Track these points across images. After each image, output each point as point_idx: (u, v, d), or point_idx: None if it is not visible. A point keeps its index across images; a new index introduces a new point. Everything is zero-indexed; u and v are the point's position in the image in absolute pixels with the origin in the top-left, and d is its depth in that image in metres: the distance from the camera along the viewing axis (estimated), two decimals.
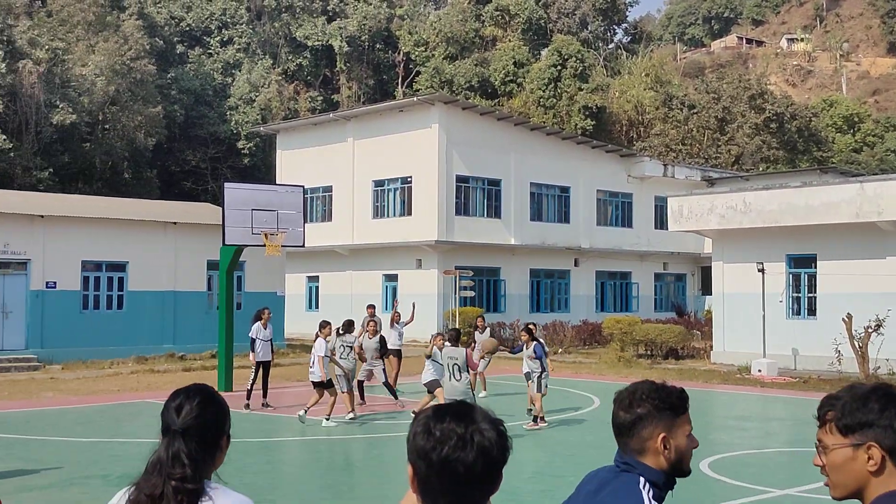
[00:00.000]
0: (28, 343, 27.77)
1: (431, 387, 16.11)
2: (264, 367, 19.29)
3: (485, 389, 21.12)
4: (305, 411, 16.83)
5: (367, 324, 19.62)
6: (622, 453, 2.91)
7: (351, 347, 17.81)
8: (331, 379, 17.01)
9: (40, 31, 49.28)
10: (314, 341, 17.52)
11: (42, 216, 28.42)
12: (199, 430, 2.72)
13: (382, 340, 19.55)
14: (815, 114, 65.90)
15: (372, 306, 21.87)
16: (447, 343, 15.12)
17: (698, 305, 45.44)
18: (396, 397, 19.02)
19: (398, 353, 21.70)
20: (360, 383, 19.15)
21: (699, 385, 23.88)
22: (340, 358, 17.38)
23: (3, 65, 43.87)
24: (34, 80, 45.55)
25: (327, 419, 16.66)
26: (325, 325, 17.53)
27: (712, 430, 17.51)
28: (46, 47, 47.10)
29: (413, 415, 16.71)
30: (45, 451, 13.97)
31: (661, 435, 2.87)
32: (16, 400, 20.25)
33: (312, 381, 17.05)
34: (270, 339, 19.71)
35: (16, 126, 45.95)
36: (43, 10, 54.48)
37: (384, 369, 19.41)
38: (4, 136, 43.78)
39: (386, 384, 19.32)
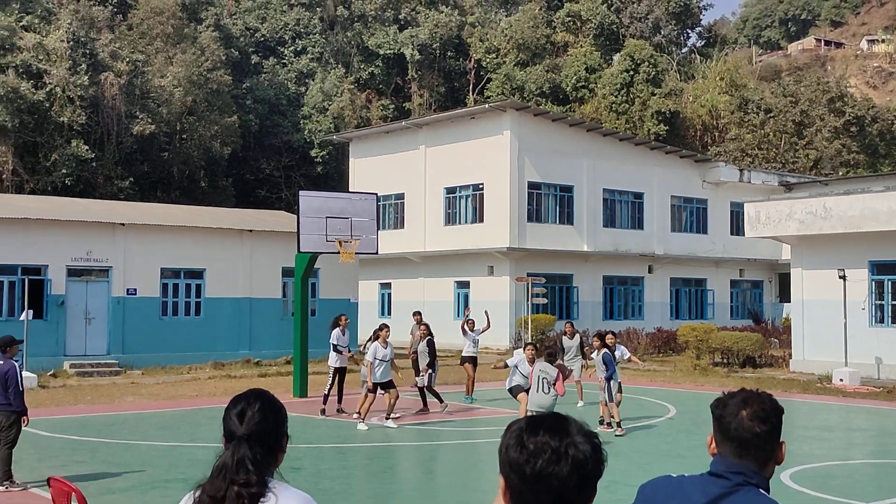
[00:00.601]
0: (110, 348, 28.44)
1: (515, 392, 16.27)
2: (340, 373, 19.41)
3: (581, 399, 20.85)
4: (361, 419, 17.03)
5: (420, 329, 19.93)
6: (737, 464, 2.81)
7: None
8: (391, 380, 17.14)
9: (121, 44, 50.57)
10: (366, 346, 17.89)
11: (123, 224, 29.09)
12: (261, 434, 2.80)
13: (431, 344, 19.54)
14: None
15: (418, 313, 22.65)
16: (542, 360, 15.01)
17: (776, 313, 44.55)
18: (441, 401, 19.17)
19: (473, 361, 21.74)
20: (421, 389, 19.27)
21: (778, 394, 23.20)
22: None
23: (86, 77, 45.08)
24: (115, 92, 46.72)
25: (387, 419, 17.08)
26: (383, 327, 17.73)
27: (794, 441, 17.13)
28: (127, 59, 48.29)
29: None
30: (127, 455, 14.27)
31: (784, 445, 2.88)
32: (99, 404, 20.74)
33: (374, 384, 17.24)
34: (347, 346, 19.87)
35: (98, 137, 47.17)
36: (124, 24, 55.88)
37: (431, 374, 19.39)
38: (87, 147, 44.97)
39: (430, 388, 19.35)
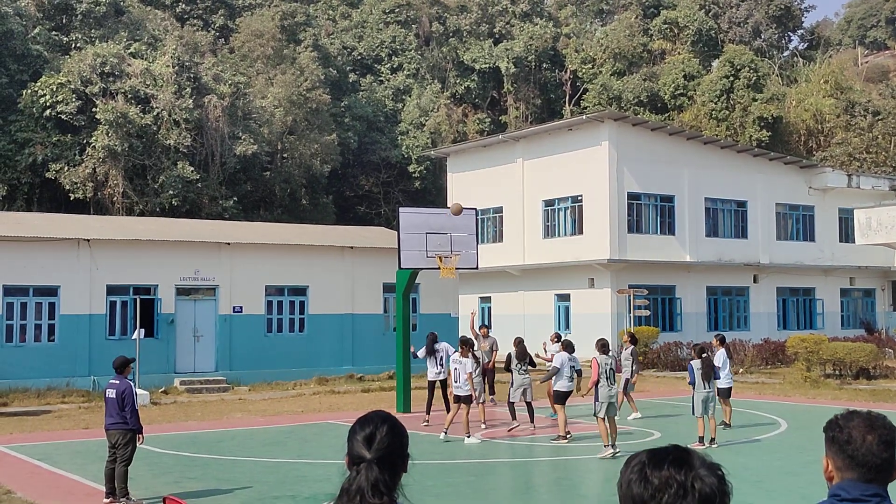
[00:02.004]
0: (217, 365, 29.13)
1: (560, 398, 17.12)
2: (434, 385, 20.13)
3: (636, 410, 20.58)
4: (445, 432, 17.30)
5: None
6: (871, 486, 2.78)
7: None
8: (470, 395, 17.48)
9: (223, 67, 51.97)
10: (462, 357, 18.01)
11: (228, 244, 29.81)
12: (389, 457, 2.82)
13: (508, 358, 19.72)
14: None
15: (485, 326, 23.94)
16: (598, 352, 16.15)
17: (890, 322, 42.96)
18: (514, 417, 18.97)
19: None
20: (512, 405, 19.19)
21: (895, 408, 22.53)
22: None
23: (191, 100, 46.43)
24: (219, 114, 47.98)
25: (468, 436, 17.20)
26: (474, 338, 18.26)
27: None
28: (229, 82, 49.57)
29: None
30: (236, 471, 14.56)
31: None
32: (208, 420, 21.23)
33: (457, 395, 17.66)
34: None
35: (202, 158, 48.50)
36: (226, 47, 57.47)
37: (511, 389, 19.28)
38: (192, 168, 46.27)
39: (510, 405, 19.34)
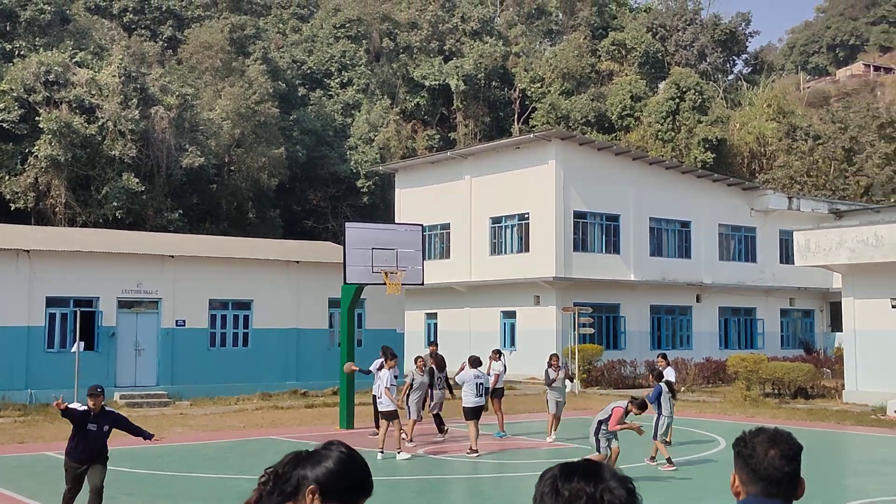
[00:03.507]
0: (159, 379, 28.74)
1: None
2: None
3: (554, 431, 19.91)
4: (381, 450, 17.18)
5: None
6: (775, 501, 2.86)
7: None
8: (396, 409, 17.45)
9: (171, 79, 51.52)
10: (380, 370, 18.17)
11: (172, 256, 29.49)
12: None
13: (431, 372, 19.92)
14: None
15: (433, 343, 23.54)
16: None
17: (828, 342, 43.80)
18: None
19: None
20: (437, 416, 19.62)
21: (831, 426, 22.95)
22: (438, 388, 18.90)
23: (137, 111, 45.95)
24: (165, 125, 47.53)
25: (398, 452, 17.19)
26: (392, 356, 18.32)
27: (846, 475, 16.80)
28: (176, 93, 49.15)
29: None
30: (176, 487, 14.38)
31: (804, 482, 2.92)
32: None
33: (382, 412, 17.60)
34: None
35: (148, 169, 47.97)
36: (174, 59, 56.97)
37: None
38: (137, 180, 45.74)
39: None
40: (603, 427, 14.09)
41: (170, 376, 28.76)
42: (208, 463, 17.14)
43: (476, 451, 17.35)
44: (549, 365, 20.07)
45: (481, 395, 17.94)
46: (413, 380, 19.16)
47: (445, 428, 19.94)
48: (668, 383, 17.07)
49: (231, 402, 27.76)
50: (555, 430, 19.52)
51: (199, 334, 29.65)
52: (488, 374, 20.50)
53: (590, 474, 2.24)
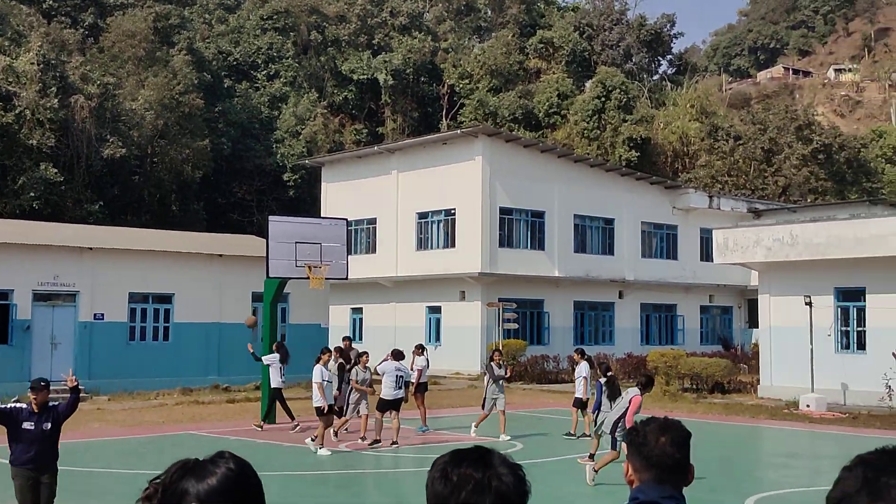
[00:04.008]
0: (75, 374, 28.00)
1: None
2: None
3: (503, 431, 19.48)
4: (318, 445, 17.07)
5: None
6: (666, 488, 2.94)
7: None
8: (331, 405, 17.45)
9: (92, 67, 50.39)
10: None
11: (91, 248, 28.88)
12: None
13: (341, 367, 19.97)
14: (863, 144, 65.16)
15: (348, 338, 23.64)
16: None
17: (745, 338, 44.84)
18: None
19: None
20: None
21: (746, 420, 23.52)
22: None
23: (56, 100, 44.85)
24: (85, 115, 46.49)
25: (320, 447, 17.09)
26: (325, 351, 18.39)
27: (759, 468, 17.22)
28: (98, 82, 48.11)
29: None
30: (90, 483, 14.10)
31: (693, 468, 3.03)
32: (64, 430, 20.43)
33: (316, 408, 17.52)
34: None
35: (67, 160, 46.88)
36: (95, 47, 55.72)
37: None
38: (56, 170, 44.67)
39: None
40: (621, 424, 13.66)
41: (87, 371, 28.12)
42: (125, 458, 16.85)
43: (378, 442, 17.51)
44: (491, 360, 20.11)
45: (400, 388, 17.95)
46: (357, 376, 18.87)
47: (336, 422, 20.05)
48: (610, 378, 16.96)
49: (151, 397, 27.30)
50: (501, 427, 19.26)
51: (119, 328, 29.10)
52: (411, 369, 20.55)
53: (479, 460, 2.26)
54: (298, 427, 20.03)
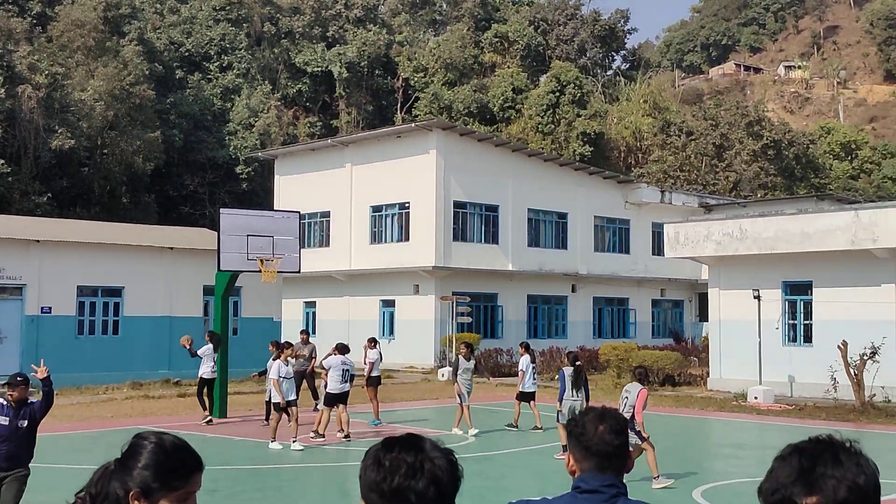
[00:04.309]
0: (22, 368, 27.58)
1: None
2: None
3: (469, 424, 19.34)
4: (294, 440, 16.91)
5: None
6: (608, 476, 2.97)
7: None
8: (291, 401, 17.16)
9: (40, 57, 49.53)
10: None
11: (38, 241, 28.42)
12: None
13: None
14: (812, 141, 66.17)
15: (304, 332, 23.65)
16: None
17: (696, 332, 45.38)
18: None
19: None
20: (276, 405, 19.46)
21: (695, 412, 23.81)
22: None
23: (3, 90, 44.04)
24: (33, 105, 45.70)
25: (273, 441, 16.95)
26: (287, 346, 18.16)
27: (707, 458, 17.45)
28: (46, 72, 47.31)
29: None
30: (35, 479, 13.87)
31: (632, 454, 3.16)
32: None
33: (273, 403, 17.42)
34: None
35: (14, 151, 46.06)
36: (43, 36, 54.76)
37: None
38: (3, 161, 43.88)
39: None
40: (633, 423, 13.26)
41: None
42: (71, 454, 16.61)
43: (323, 436, 17.46)
44: (459, 353, 20.07)
45: (346, 382, 17.90)
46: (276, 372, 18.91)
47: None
48: (577, 368, 16.89)
49: (100, 392, 26.95)
50: (468, 420, 19.16)
51: (67, 322, 28.69)
52: (364, 363, 20.53)
53: (410, 445, 2.30)
54: (209, 420, 20.09)
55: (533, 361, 20.17)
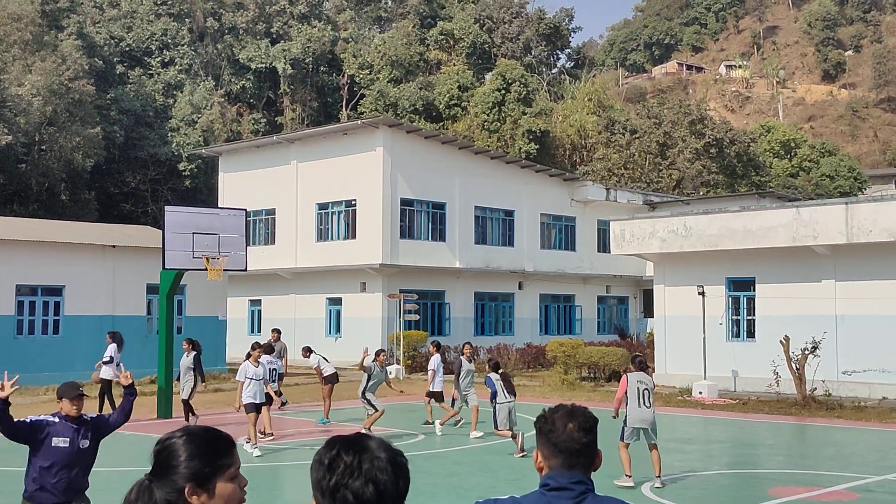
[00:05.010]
0: None
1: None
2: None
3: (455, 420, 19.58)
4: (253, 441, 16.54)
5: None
6: (576, 473, 2.96)
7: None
8: (259, 404, 16.67)
9: None
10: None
11: None
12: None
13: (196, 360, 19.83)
14: (753, 139, 67.20)
15: (276, 331, 23.76)
16: (631, 368, 14.16)
17: (641, 328, 45.85)
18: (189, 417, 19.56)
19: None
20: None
21: None
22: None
23: None
24: None
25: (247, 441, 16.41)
26: (256, 346, 17.38)
27: None
28: None
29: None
30: None
31: (601, 452, 3.09)
32: None
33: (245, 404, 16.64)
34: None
35: None
36: None
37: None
38: None
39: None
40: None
41: None
42: (9, 456, 16.22)
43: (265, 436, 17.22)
44: (462, 353, 19.68)
45: (273, 381, 17.95)
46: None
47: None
48: (503, 374, 16.90)
49: (40, 393, 26.37)
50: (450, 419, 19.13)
51: (5, 322, 28.06)
52: (314, 371, 20.63)
53: (352, 445, 2.30)
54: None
55: (443, 361, 20.09)
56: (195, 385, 19.82)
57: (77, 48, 52.94)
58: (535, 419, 3.11)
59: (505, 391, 16.29)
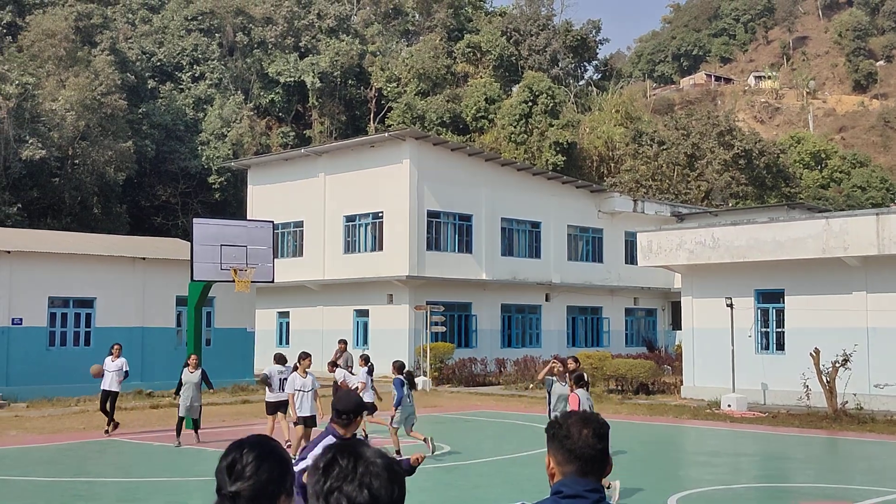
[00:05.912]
0: None
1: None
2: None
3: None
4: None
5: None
6: (589, 480, 2.97)
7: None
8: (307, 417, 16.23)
9: (10, 66, 49.10)
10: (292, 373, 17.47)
11: (9, 252, 28.13)
12: (254, 491, 2.48)
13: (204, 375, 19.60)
14: (782, 150, 66.79)
15: (343, 341, 23.15)
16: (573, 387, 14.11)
17: (669, 340, 45.59)
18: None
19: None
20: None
21: (669, 420, 23.90)
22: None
23: None
24: (3, 115, 45.30)
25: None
26: (305, 356, 16.70)
27: (682, 466, 17.52)
28: (16, 82, 46.90)
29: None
30: (6, 491, 13.73)
31: (611, 458, 3.08)
32: None
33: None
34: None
35: None
36: (13, 46, 54.32)
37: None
38: None
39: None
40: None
41: (4, 377, 27.43)
42: (43, 466, 16.43)
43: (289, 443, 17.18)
44: (552, 373, 16.55)
45: (283, 390, 17.91)
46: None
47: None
48: (407, 374, 17.12)
49: (71, 404, 26.69)
50: None
51: (38, 333, 28.40)
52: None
53: (348, 451, 2.32)
54: (112, 431, 19.93)
55: (370, 373, 19.51)
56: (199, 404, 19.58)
57: (110, 63, 53.60)
58: (546, 426, 3.14)
59: (409, 395, 16.74)
